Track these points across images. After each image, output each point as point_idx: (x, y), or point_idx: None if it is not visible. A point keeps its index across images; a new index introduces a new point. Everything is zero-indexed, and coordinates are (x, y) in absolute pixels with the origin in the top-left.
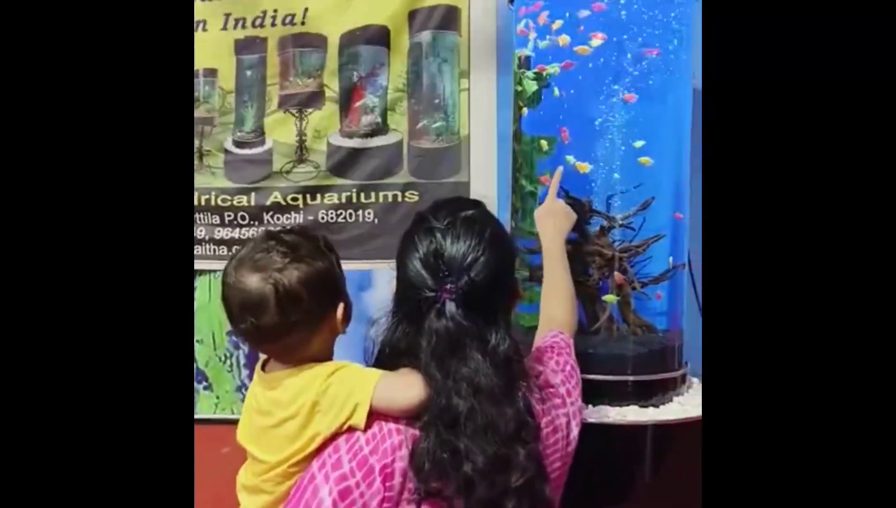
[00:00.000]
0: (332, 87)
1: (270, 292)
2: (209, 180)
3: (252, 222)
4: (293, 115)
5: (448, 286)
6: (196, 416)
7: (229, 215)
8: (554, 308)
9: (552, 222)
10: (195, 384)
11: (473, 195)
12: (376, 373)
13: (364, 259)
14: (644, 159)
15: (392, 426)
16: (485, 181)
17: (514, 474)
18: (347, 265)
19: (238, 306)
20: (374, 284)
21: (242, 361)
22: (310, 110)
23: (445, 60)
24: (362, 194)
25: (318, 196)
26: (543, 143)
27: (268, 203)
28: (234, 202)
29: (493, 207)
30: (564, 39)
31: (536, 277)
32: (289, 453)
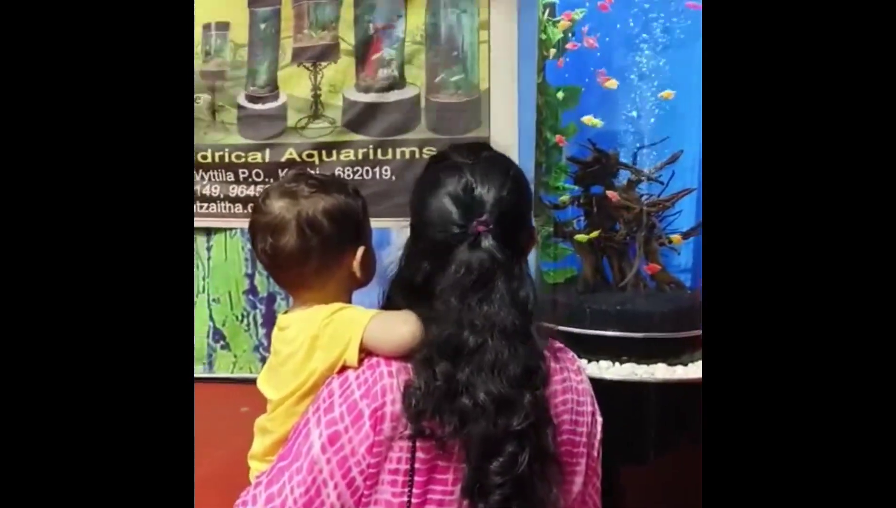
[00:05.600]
0: (348, 39)
1: (293, 215)
2: (222, 137)
3: (267, 180)
4: (307, 68)
5: (484, 219)
6: (214, 375)
7: (244, 173)
8: None
9: None
10: (212, 342)
11: None
12: (371, 312)
13: (382, 217)
14: (666, 93)
15: (384, 368)
16: (506, 136)
17: (516, 417)
18: None
19: (261, 228)
20: (393, 242)
21: (259, 320)
22: (324, 64)
23: (464, 11)
24: (379, 151)
25: (334, 153)
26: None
27: (282, 160)
28: (249, 159)
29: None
30: None
31: (562, 232)
32: (291, 389)
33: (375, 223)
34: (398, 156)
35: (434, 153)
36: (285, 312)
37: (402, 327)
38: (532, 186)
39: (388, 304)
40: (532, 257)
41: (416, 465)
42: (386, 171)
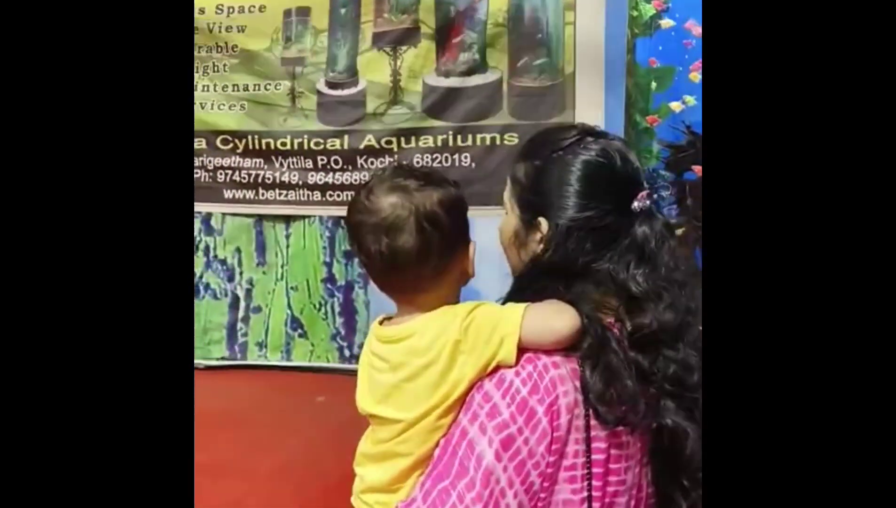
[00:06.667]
0: (428, 23)
1: (409, 211)
2: (302, 123)
3: (346, 167)
4: (387, 53)
5: (656, 185)
6: (291, 363)
7: (322, 159)
8: None
9: None
10: (290, 330)
11: None
12: (521, 305)
13: None
14: None
15: (547, 360)
16: (592, 121)
17: (696, 373)
18: None
19: (371, 228)
20: (473, 232)
21: (337, 309)
22: (404, 48)
23: None
24: (459, 137)
25: (413, 139)
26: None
27: (361, 147)
28: (327, 146)
29: None
30: None
31: None
32: (433, 403)
33: None
34: (478, 142)
35: (533, 138)
36: (382, 321)
37: (563, 316)
38: None
39: (518, 295)
40: None
41: (593, 457)
42: (466, 158)
